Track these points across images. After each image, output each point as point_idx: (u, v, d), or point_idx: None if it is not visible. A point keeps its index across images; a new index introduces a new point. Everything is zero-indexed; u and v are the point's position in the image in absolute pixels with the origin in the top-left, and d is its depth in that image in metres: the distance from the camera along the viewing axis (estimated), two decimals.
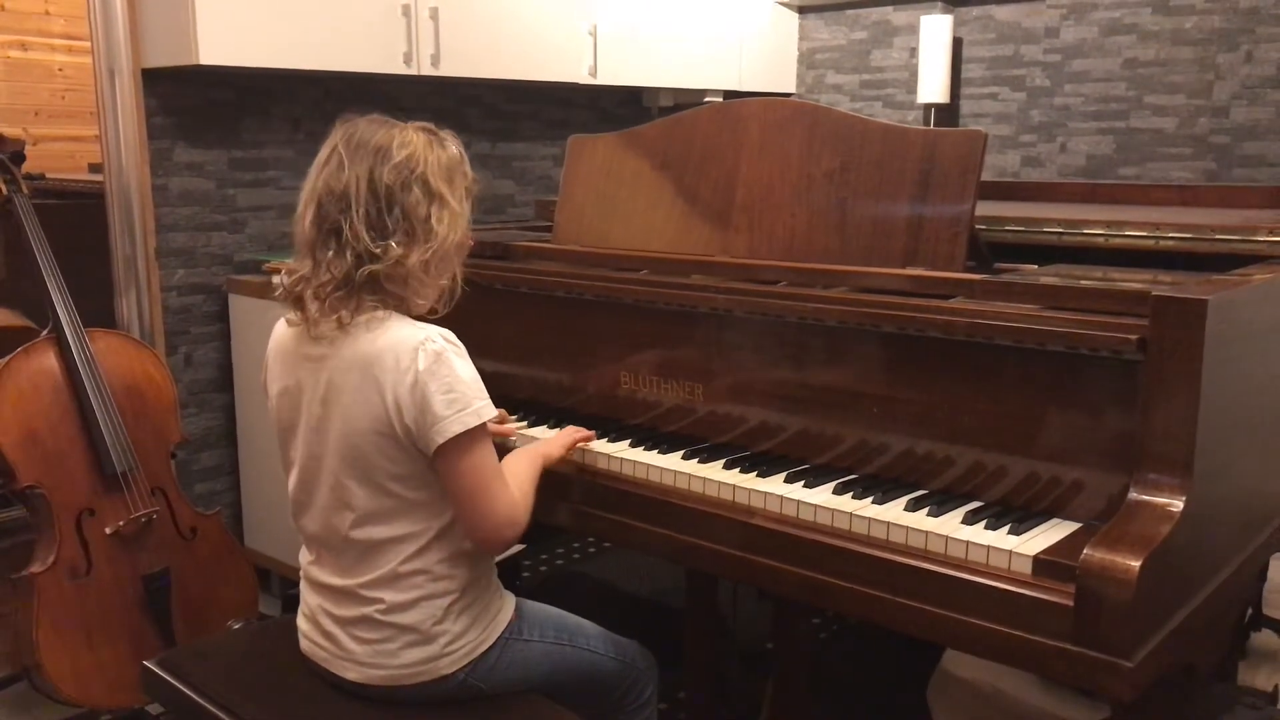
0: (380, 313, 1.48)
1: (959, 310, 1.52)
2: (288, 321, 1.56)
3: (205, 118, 2.95)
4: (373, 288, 1.48)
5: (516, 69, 3.29)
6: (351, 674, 1.55)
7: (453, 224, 1.52)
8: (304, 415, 1.55)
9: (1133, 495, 1.33)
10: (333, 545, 1.55)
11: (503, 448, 1.72)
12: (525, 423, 1.98)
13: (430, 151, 1.52)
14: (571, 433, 1.79)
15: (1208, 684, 1.71)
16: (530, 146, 3.78)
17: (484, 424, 1.48)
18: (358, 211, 1.46)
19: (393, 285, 1.49)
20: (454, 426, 1.44)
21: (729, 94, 3.87)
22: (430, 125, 1.57)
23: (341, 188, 1.47)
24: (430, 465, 1.49)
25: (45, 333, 2.41)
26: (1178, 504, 1.29)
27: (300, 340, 1.53)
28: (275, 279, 2.71)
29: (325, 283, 1.47)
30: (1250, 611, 2.34)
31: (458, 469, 1.47)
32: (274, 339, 1.61)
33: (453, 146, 1.57)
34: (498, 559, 1.65)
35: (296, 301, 1.51)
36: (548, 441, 1.76)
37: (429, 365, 1.44)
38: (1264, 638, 2.47)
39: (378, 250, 1.46)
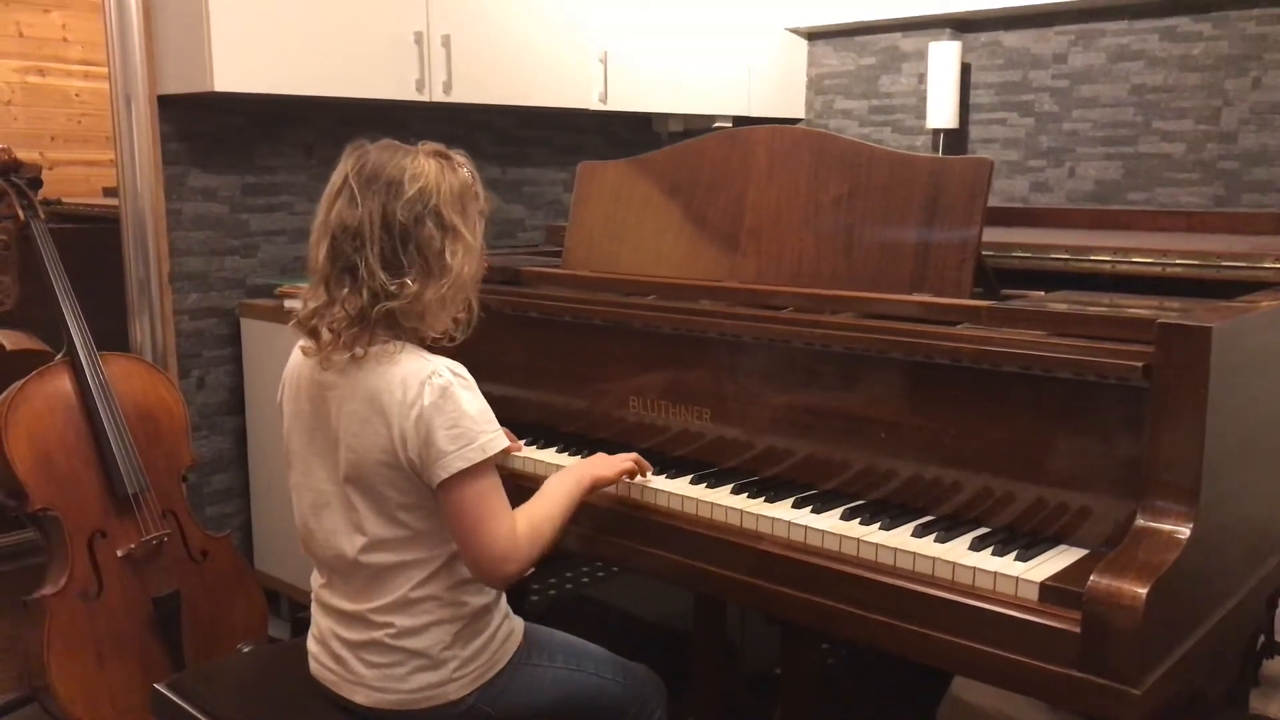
0: (392, 345, 1.48)
1: (966, 336, 1.52)
2: (302, 350, 1.56)
3: (219, 143, 2.98)
4: (388, 323, 1.48)
5: (528, 95, 3.31)
6: (360, 697, 1.55)
7: (467, 256, 1.53)
8: (313, 441, 1.56)
9: (1139, 522, 1.33)
10: (343, 570, 1.55)
11: (504, 466, 1.71)
12: (534, 446, 1.99)
13: (443, 181, 1.51)
14: (629, 458, 1.74)
15: (1217, 711, 1.70)
16: (541, 172, 3.80)
17: (489, 458, 1.47)
18: (372, 249, 1.46)
19: (408, 320, 1.49)
20: (457, 462, 1.44)
21: (738, 120, 3.90)
22: (441, 148, 1.56)
23: (355, 224, 1.46)
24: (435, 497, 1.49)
25: (60, 356, 2.43)
26: (1184, 531, 1.29)
27: (313, 367, 1.54)
28: (289, 303, 2.73)
29: (340, 318, 1.47)
30: (1262, 639, 2.33)
31: (458, 503, 1.47)
32: (291, 363, 1.62)
33: (464, 170, 1.57)
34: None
35: (311, 333, 1.51)
36: (601, 462, 1.72)
37: (434, 400, 1.44)
38: (1276, 665, 2.46)
39: (393, 288, 1.46)
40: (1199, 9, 3.34)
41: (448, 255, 1.50)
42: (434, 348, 1.55)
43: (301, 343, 1.56)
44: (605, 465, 1.72)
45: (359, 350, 1.47)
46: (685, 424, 1.87)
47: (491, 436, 1.48)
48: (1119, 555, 1.29)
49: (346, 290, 1.47)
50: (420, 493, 1.49)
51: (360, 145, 1.54)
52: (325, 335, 1.49)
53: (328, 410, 1.52)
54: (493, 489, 1.49)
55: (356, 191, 1.47)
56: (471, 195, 1.56)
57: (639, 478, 1.77)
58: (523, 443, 2.00)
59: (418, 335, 1.53)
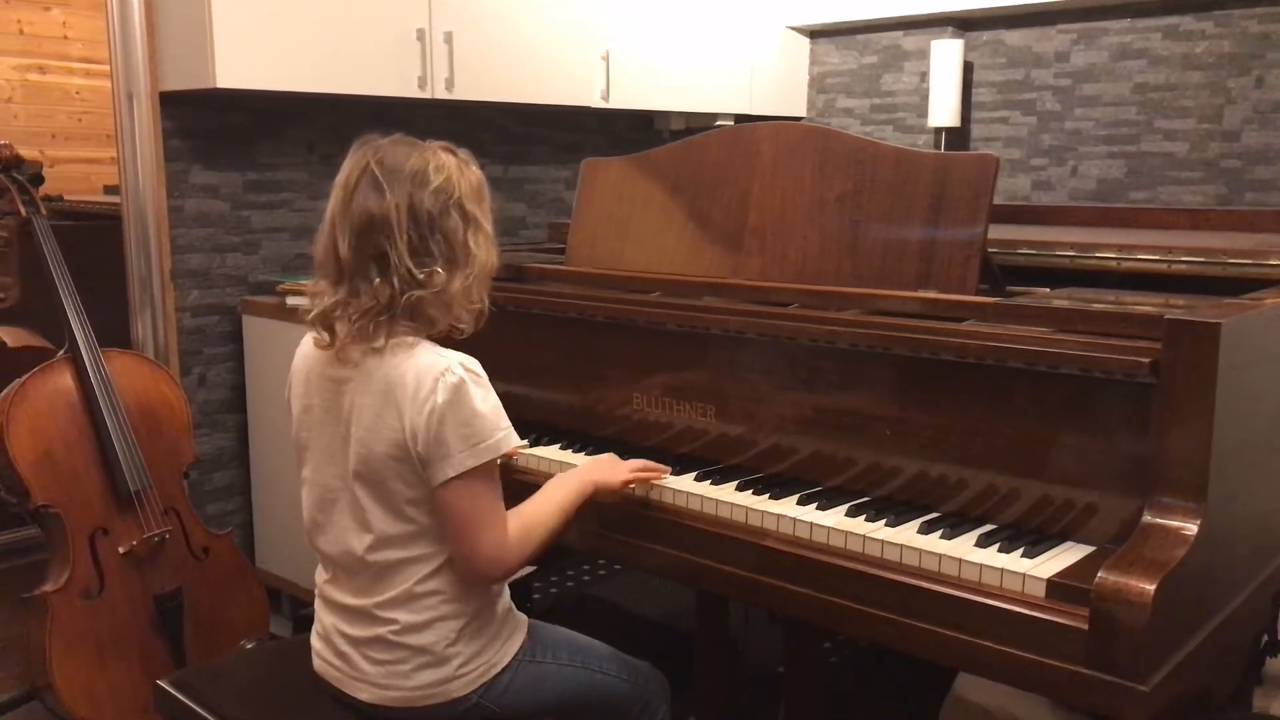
0: (409, 339, 1.49)
1: (972, 333, 1.52)
2: (314, 341, 1.56)
3: (221, 140, 2.98)
4: (413, 313, 1.49)
5: (530, 93, 3.31)
6: (364, 695, 1.55)
7: (488, 246, 1.55)
8: (323, 436, 1.56)
9: (1147, 519, 1.33)
10: (348, 565, 1.55)
11: (507, 468, 1.70)
12: (537, 443, 1.98)
13: (462, 174, 1.54)
14: (639, 465, 1.73)
15: (1222, 710, 1.70)
16: (543, 169, 3.80)
17: (494, 459, 1.48)
18: (401, 238, 1.46)
19: (434, 310, 1.50)
20: (468, 460, 1.45)
21: (740, 118, 3.89)
22: (451, 145, 1.58)
23: (382, 214, 1.46)
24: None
25: (62, 353, 2.43)
26: (1192, 528, 1.29)
27: (325, 361, 1.54)
28: (290, 300, 2.73)
29: (368, 309, 1.47)
30: (1266, 637, 2.32)
31: (458, 501, 1.47)
32: (299, 357, 1.61)
33: (475, 167, 1.59)
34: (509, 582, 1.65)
35: (328, 327, 1.51)
36: (607, 467, 1.71)
37: (448, 397, 1.44)
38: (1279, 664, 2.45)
39: (421, 277, 1.47)
40: (1201, 8, 3.34)
41: (472, 245, 1.52)
42: (445, 341, 1.55)
43: (314, 335, 1.55)
44: (611, 471, 1.70)
45: (379, 342, 1.48)
46: (690, 421, 1.86)
47: (503, 434, 1.49)
48: (1126, 552, 1.29)
49: (377, 280, 1.47)
50: (427, 486, 1.49)
51: (369, 140, 1.54)
52: (343, 329, 1.49)
53: (340, 404, 1.52)
54: (493, 490, 1.50)
55: (383, 181, 1.47)
56: (485, 191, 1.59)
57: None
58: (526, 441, 1.99)
59: (436, 328, 1.53)
